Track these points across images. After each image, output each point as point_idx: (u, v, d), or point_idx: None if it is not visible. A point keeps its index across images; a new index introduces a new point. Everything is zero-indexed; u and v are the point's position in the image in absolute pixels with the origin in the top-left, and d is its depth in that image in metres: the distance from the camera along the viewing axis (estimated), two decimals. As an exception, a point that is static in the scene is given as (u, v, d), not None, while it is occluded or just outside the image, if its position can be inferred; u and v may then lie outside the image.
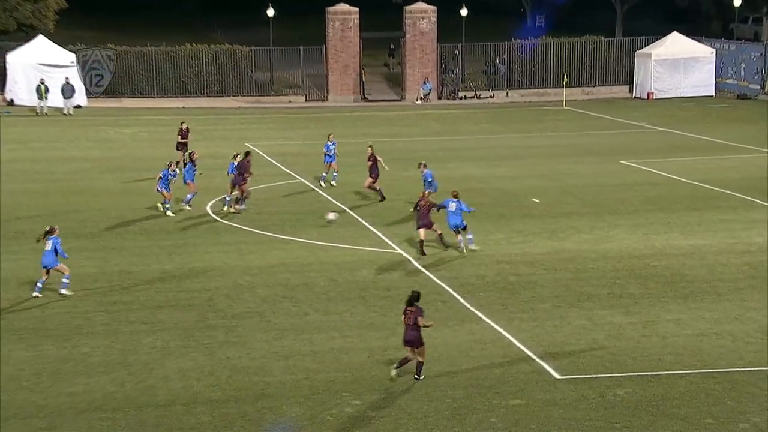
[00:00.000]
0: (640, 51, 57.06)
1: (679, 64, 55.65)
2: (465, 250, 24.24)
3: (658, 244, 25.13)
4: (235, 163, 28.92)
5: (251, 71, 56.23)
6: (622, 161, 36.60)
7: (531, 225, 27.07)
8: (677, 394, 16.24)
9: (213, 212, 28.80)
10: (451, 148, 39.14)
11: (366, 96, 56.35)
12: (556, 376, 17.02)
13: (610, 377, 16.89)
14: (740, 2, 61.91)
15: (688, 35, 57.25)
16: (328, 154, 31.65)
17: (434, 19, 56.10)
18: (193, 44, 56.53)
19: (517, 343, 18.44)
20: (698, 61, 55.93)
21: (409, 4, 56.97)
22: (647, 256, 24.03)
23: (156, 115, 50.01)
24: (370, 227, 27.24)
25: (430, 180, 27.78)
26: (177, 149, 34.50)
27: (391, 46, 66.10)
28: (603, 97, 56.59)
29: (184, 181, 28.92)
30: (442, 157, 34.98)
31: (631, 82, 57.57)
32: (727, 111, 50.58)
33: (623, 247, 24.93)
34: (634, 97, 56.42)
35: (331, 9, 56.33)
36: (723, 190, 31.13)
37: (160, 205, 28.38)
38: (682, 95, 55.13)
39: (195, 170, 28.98)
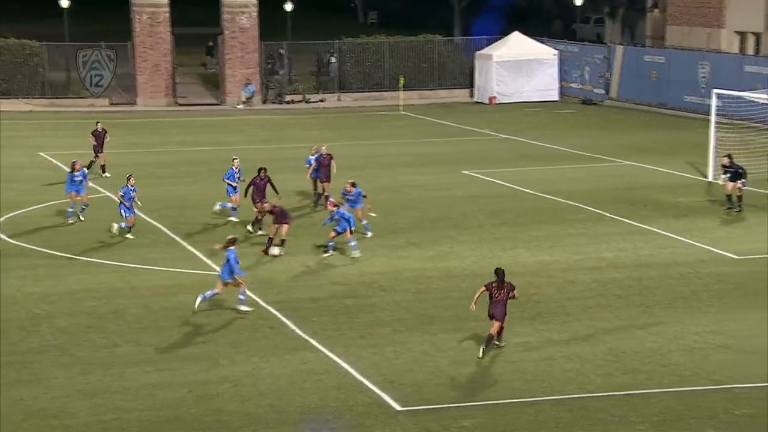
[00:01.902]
0: (480, 52, 58.41)
1: (522, 66, 57.27)
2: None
3: (504, 261, 25.82)
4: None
5: (44, 70, 54.63)
6: (464, 171, 37.57)
7: (368, 242, 27.41)
8: (526, 424, 16.79)
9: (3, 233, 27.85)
10: (279, 157, 39.07)
11: (177, 100, 55.66)
12: (397, 407, 17.29)
13: (455, 407, 17.30)
14: (582, 2, 64.69)
15: (530, 36, 59.09)
16: (315, 169, 31.15)
17: (255, 14, 55.97)
18: (-32, 38, 54.50)
19: (355, 373, 18.64)
20: (542, 64, 57.76)
21: (227, -3, 56.59)
22: (492, 275, 24.65)
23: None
24: (188, 247, 26.94)
25: (354, 198, 27.62)
26: (95, 152, 35.80)
27: (210, 44, 65.58)
28: (442, 102, 57.76)
29: (67, 191, 29.00)
30: (271, 168, 34.85)
31: (471, 86, 58.93)
32: (573, 117, 52.68)
33: (468, 264, 25.59)
34: (476, 102, 57.83)
35: (136, 1, 55.36)
36: (570, 202, 32.40)
37: (120, 229, 27.52)
38: (526, 100, 56.75)
39: (83, 179, 29.24)
